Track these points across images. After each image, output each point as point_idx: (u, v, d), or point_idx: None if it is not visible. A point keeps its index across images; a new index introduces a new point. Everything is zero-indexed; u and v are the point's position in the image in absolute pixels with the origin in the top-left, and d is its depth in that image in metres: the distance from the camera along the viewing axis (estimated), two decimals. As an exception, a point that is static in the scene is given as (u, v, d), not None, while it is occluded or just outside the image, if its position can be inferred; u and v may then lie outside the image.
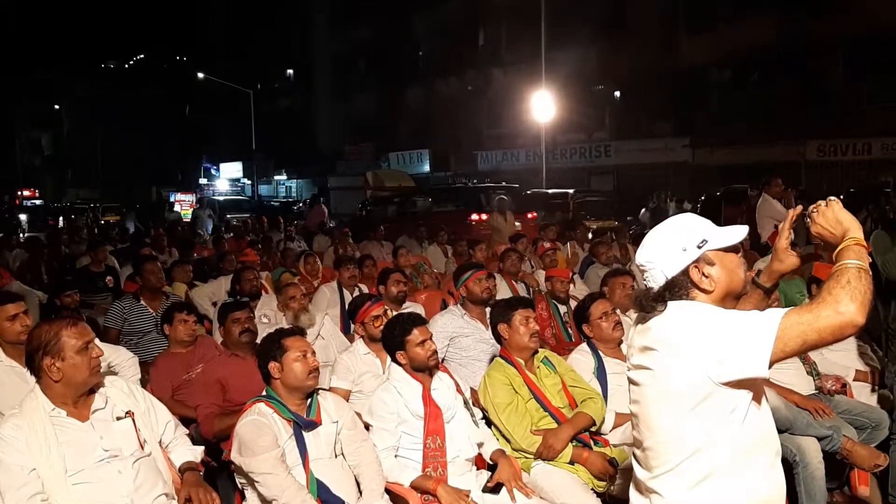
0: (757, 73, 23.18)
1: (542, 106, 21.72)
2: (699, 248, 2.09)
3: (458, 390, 3.63)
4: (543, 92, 21.78)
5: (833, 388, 4.35)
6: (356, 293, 6.58)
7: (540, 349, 3.96)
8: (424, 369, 3.52)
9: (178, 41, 56.67)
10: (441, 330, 4.78)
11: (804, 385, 4.56)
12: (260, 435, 3.01)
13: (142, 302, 6.05)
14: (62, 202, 42.36)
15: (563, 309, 5.95)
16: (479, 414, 3.72)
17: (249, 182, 40.41)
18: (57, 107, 58.33)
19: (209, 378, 4.16)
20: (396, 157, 33.57)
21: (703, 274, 2.09)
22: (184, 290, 7.32)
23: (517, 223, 12.90)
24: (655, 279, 2.15)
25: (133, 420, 2.93)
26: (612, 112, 27.00)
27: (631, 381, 2.22)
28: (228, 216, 23.85)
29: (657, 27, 24.15)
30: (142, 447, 2.90)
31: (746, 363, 1.92)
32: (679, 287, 2.10)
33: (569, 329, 5.79)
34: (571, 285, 7.22)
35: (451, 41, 31.43)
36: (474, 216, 15.65)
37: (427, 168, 32.39)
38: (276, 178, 41.61)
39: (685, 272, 2.09)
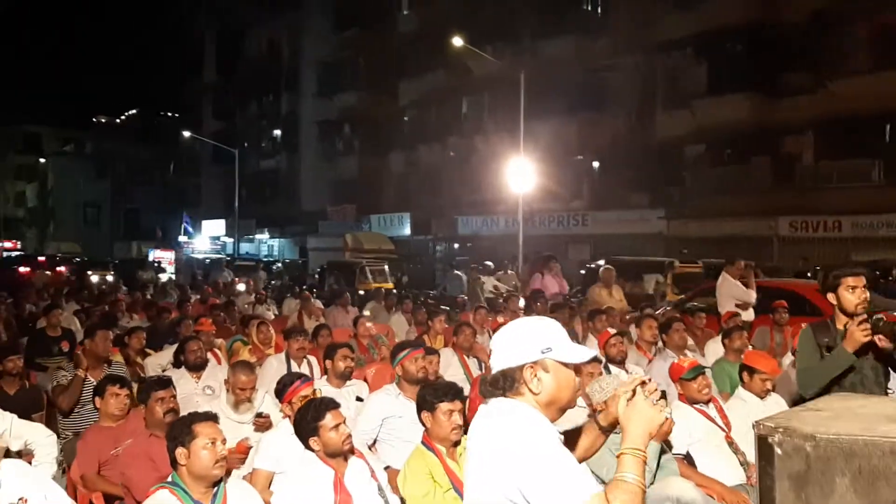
0: (730, 150, 23.68)
1: (521, 174, 22.03)
2: (542, 353, 2.18)
3: (373, 476, 3.60)
4: (522, 160, 22.12)
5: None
6: (304, 365, 6.57)
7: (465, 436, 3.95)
8: (339, 455, 3.51)
9: (168, 99, 57.50)
10: (374, 411, 4.76)
11: (734, 475, 4.57)
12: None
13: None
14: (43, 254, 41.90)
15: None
16: (395, 501, 3.68)
17: (231, 240, 40.44)
18: (42, 160, 58.50)
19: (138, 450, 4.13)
20: (378, 220, 33.86)
21: (536, 376, 2.17)
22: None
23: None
24: (496, 364, 2.24)
25: (25, 507, 2.90)
26: (590, 182, 27.42)
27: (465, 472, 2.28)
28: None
29: (634, 102, 24.77)
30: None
31: None
32: (511, 380, 2.19)
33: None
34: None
35: (435, 109, 32.05)
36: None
37: (408, 231, 32.60)
38: (258, 236, 41.71)
39: (520, 368, 2.18)
